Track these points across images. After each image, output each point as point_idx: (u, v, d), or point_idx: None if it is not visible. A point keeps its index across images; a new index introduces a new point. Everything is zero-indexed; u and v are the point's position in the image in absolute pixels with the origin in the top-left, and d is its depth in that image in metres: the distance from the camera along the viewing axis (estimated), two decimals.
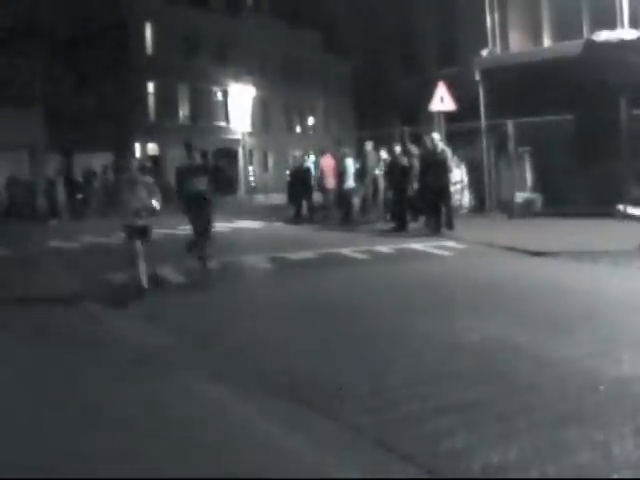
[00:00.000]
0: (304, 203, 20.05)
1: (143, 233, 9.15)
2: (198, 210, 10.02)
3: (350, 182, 18.27)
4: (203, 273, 10.02)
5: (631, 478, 3.61)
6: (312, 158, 21.99)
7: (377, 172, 18.73)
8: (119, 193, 9.49)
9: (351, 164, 18.56)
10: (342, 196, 18.47)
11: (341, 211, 18.75)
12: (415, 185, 16.22)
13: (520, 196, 18.02)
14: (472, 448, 3.98)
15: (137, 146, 38.03)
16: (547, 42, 19.51)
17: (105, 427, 4.45)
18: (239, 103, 43.14)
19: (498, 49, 19.98)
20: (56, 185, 25.42)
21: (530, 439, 4.07)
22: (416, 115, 23.19)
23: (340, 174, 18.41)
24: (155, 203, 9.28)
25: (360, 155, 19.84)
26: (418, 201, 16.32)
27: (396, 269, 10.92)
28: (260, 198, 37.04)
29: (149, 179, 9.75)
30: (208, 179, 10.25)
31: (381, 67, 27.75)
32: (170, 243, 16.02)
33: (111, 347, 6.51)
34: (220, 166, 24.62)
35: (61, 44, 33.08)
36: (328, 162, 19.60)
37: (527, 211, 17.55)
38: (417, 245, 13.17)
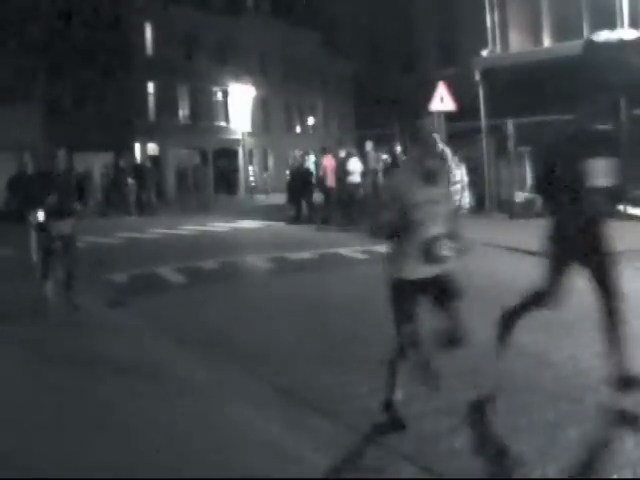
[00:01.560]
0: (304, 203, 20.04)
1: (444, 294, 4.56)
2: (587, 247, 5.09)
3: (356, 177, 18.25)
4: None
5: (631, 478, 3.61)
6: (312, 158, 21.99)
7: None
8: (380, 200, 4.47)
9: (356, 162, 18.50)
10: (347, 192, 18.45)
11: (345, 207, 18.79)
12: None
13: (520, 196, 18.02)
14: (472, 448, 3.99)
15: (137, 146, 38.01)
16: (547, 42, 19.51)
17: None
18: (239, 103, 43.13)
19: (498, 49, 19.97)
20: None
21: (530, 439, 4.07)
22: (416, 115, 23.17)
23: (344, 172, 18.41)
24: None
25: (360, 155, 19.85)
26: None
27: None
28: (260, 198, 37.06)
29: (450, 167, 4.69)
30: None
31: (381, 67, 27.71)
32: (171, 243, 16.07)
33: None
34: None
35: (61, 44, 33.05)
36: (329, 162, 19.61)
37: (527, 211, 17.53)
38: None
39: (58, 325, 7.45)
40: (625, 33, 16.56)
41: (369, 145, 19.15)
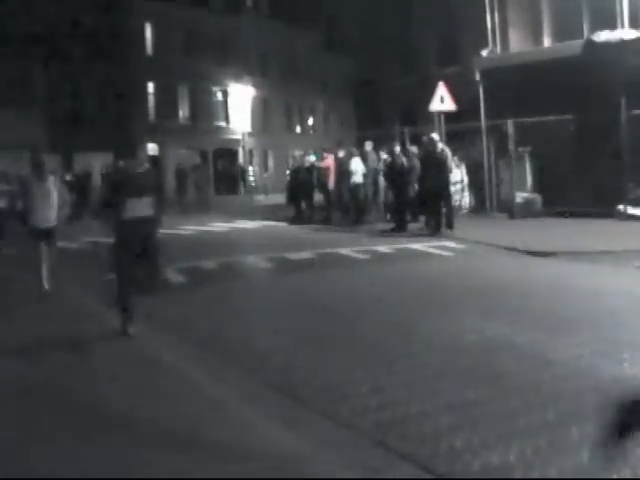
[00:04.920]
0: (304, 203, 20.03)
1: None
2: None
3: (358, 177, 18.25)
4: None
5: (631, 478, 3.61)
6: (312, 158, 21.99)
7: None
8: None
9: (359, 162, 18.50)
10: (349, 192, 18.44)
11: (345, 207, 18.78)
12: (415, 185, 16.25)
13: (520, 196, 18.01)
14: (472, 448, 3.98)
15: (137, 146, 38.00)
16: (547, 42, 19.51)
17: None
18: (239, 103, 43.14)
19: (498, 49, 19.97)
20: None
21: (530, 439, 4.07)
22: (416, 115, 23.17)
23: (347, 172, 18.40)
24: None
25: (360, 155, 19.83)
26: (418, 201, 16.33)
27: (396, 269, 10.91)
28: (260, 198, 37.06)
29: None
30: None
31: (381, 67, 27.69)
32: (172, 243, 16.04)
33: None
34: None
35: (61, 44, 33.07)
36: (329, 162, 19.60)
37: (527, 211, 17.54)
38: (417, 245, 13.17)
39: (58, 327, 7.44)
40: (625, 33, 16.55)
41: (369, 145, 19.14)
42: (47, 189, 9.17)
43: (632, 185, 15.75)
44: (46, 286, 8.99)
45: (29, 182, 9.32)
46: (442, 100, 17.62)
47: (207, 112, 42.82)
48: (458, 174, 18.53)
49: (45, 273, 9.04)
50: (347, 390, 5.12)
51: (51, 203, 9.14)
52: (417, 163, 16.27)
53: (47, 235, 9.16)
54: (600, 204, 15.41)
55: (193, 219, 21.74)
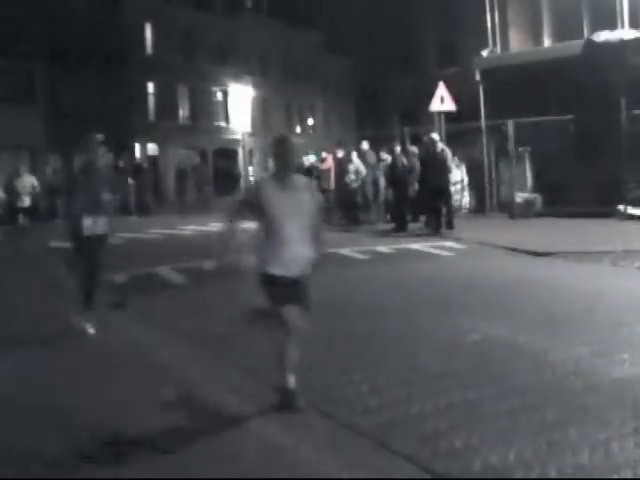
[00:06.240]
0: None
1: None
2: None
3: (358, 177, 18.24)
4: None
5: (631, 478, 3.61)
6: (312, 158, 21.98)
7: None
8: None
9: (359, 162, 18.51)
10: (348, 193, 18.44)
11: (346, 207, 18.79)
12: (415, 185, 16.26)
13: (520, 196, 18.01)
14: (472, 448, 3.98)
15: (137, 146, 37.99)
16: (547, 42, 19.54)
17: None
18: (239, 103, 43.13)
19: (498, 49, 19.99)
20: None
21: (530, 439, 4.07)
22: (416, 115, 23.18)
23: (346, 172, 18.39)
24: None
25: (358, 155, 19.84)
26: (418, 201, 16.34)
27: (396, 269, 10.91)
28: None
29: None
30: None
31: (381, 67, 27.72)
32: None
33: None
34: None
35: (61, 44, 33.05)
36: (329, 164, 19.60)
37: (527, 211, 17.54)
38: (417, 245, 13.17)
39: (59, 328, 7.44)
40: (625, 33, 16.56)
41: (366, 144, 19.16)
42: (300, 204, 5.13)
43: (632, 185, 15.76)
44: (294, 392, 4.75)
45: (263, 192, 5.06)
46: (442, 100, 17.62)
47: (207, 112, 42.77)
48: (458, 174, 18.55)
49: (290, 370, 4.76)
50: (347, 390, 5.12)
51: (305, 231, 5.22)
52: (417, 163, 16.28)
53: (298, 290, 5.33)
54: (600, 204, 15.42)
55: (193, 219, 21.72)
